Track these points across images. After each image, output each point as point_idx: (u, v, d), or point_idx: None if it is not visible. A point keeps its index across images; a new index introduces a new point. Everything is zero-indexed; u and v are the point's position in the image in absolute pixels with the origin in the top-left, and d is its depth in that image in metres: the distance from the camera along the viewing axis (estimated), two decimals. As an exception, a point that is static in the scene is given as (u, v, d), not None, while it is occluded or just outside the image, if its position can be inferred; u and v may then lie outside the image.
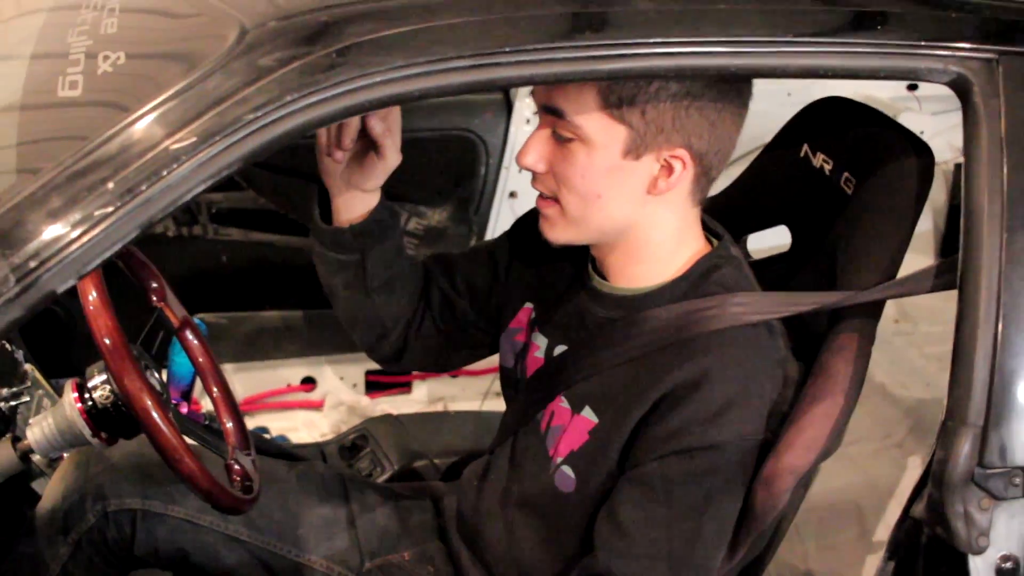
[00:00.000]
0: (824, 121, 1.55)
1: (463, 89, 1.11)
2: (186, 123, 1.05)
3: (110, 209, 1.02)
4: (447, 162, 2.78)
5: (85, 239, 1.02)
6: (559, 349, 1.46)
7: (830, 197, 1.49)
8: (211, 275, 2.77)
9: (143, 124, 1.06)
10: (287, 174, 2.63)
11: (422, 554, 1.63)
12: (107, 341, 1.29)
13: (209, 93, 1.06)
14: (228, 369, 2.84)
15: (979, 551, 1.25)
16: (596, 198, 1.32)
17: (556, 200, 1.34)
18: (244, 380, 2.88)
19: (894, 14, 1.25)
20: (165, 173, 1.03)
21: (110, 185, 1.03)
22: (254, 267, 2.86)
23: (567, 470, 1.39)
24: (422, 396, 2.98)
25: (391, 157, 1.45)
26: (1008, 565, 1.26)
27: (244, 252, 2.84)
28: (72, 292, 1.28)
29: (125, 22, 1.31)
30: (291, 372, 2.92)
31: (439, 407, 2.95)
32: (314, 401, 2.91)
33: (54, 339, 2.28)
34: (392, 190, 2.90)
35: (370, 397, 2.94)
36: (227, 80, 1.07)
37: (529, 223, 1.52)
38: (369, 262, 1.51)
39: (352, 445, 2.12)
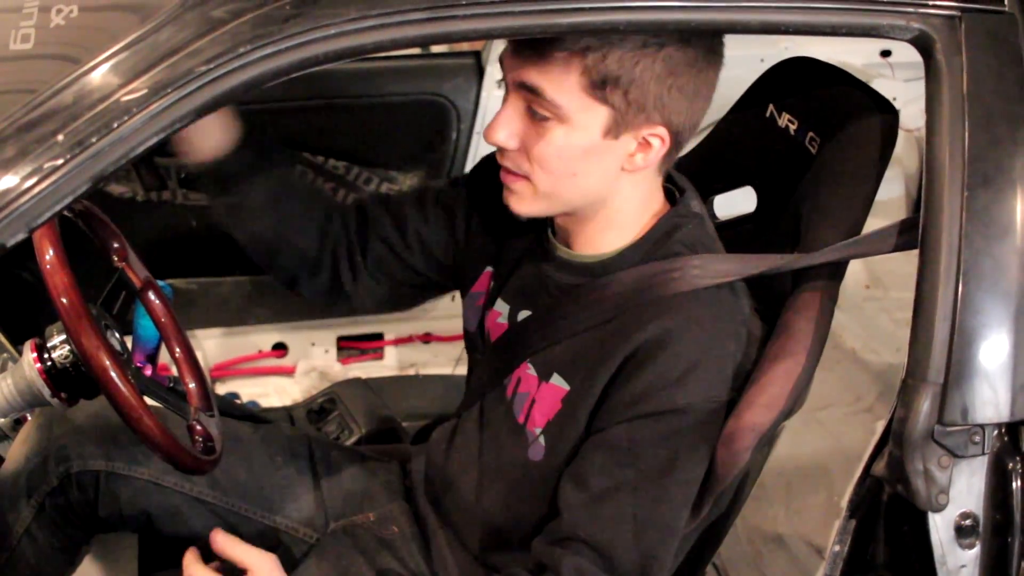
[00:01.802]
0: (790, 81, 1.54)
1: (418, 42, 1.11)
2: (137, 75, 1.04)
3: (60, 161, 1.01)
4: (418, 127, 2.76)
5: (35, 191, 1.01)
6: (523, 314, 1.46)
7: (795, 157, 1.48)
8: (180, 240, 2.73)
9: (94, 76, 1.05)
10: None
11: (387, 515, 1.63)
12: (64, 300, 1.27)
13: (161, 45, 1.05)
14: (198, 335, 2.83)
15: (938, 508, 1.25)
16: (570, 176, 1.30)
17: (524, 177, 1.32)
18: (215, 346, 2.87)
19: (857, -30, 1.24)
20: (116, 125, 1.02)
21: (60, 137, 1.01)
22: (224, 232, 2.83)
23: (543, 440, 1.39)
24: (393, 362, 2.97)
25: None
26: (967, 523, 1.27)
27: (213, 217, 2.82)
28: (34, 252, 1.27)
29: (80, -25, 1.29)
30: (262, 338, 2.90)
31: (411, 372, 2.94)
32: (286, 367, 2.90)
33: (20, 304, 2.27)
34: (363, 155, 2.89)
35: (342, 363, 2.94)
36: (180, 32, 1.06)
37: (485, 179, 1.50)
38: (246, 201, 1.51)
39: (320, 408, 2.11)
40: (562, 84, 1.22)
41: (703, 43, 1.25)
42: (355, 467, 1.72)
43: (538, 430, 1.40)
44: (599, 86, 1.22)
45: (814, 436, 2.42)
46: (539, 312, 1.43)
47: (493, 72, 2.72)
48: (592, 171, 1.29)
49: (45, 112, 1.03)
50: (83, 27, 1.18)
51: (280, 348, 2.92)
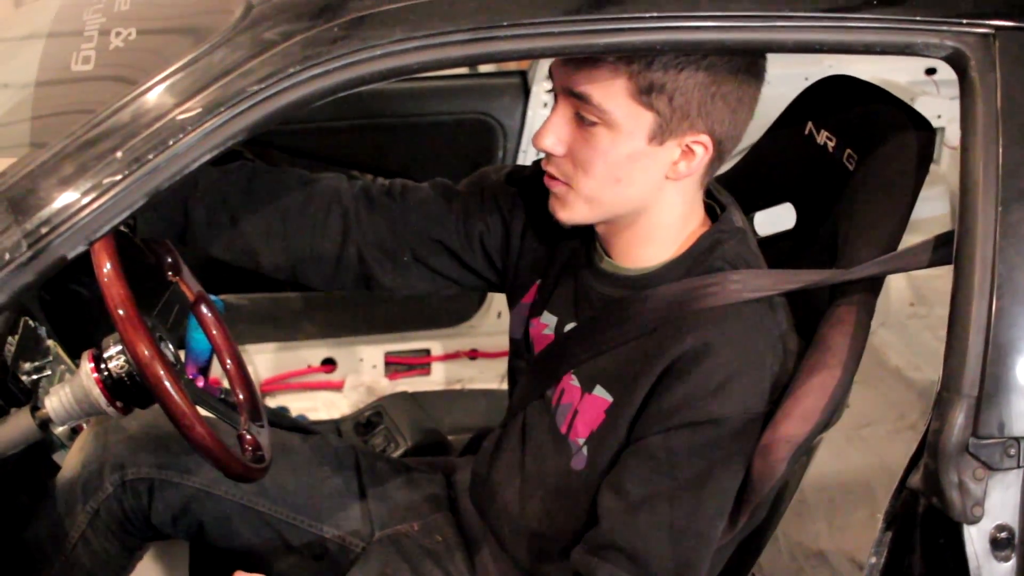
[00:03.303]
0: (828, 99, 1.57)
1: (461, 62, 1.14)
2: (192, 94, 1.09)
3: (118, 177, 1.06)
4: (465, 145, 2.81)
5: (94, 206, 1.06)
6: (569, 326, 1.49)
7: (833, 173, 1.51)
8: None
9: (151, 96, 1.10)
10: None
11: (431, 525, 1.66)
12: (120, 311, 1.32)
13: (215, 66, 1.10)
14: (249, 350, 2.89)
15: (973, 521, 1.26)
16: (615, 182, 1.33)
17: (567, 183, 1.35)
18: (265, 361, 2.93)
19: (891, -11, 1.27)
20: (172, 143, 1.07)
21: (119, 154, 1.06)
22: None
23: (585, 451, 1.42)
24: (440, 378, 3.01)
25: None
26: (1003, 535, 1.27)
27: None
28: (91, 269, 1.32)
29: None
30: (312, 353, 2.95)
31: (457, 388, 2.98)
32: (334, 382, 2.95)
33: (78, 318, 2.33)
34: (412, 173, 2.94)
35: (389, 378, 2.98)
36: (232, 53, 1.11)
37: (532, 188, 1.52)
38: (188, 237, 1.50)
39: (367, 421, 2.15)
40: (609, 90, 1.26)
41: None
42: (400, 478, 1.75)
43: (581, 440, 1.42)
44: (645, 92, 1.26)
45: (857, 453, 2.42)
46: (583, 324, 1.46)
47: (539, 92, 2.77)
48: (636, 177, 1.32)
49: (105, 130, 1.08)
50: (140, 49, 1.23)
51: (329, 363, 2.97)
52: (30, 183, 1.06)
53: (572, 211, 1.37)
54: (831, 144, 1.52)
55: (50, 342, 1.96)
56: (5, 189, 1.07)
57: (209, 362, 2.02)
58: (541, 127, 1.33)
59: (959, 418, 1.24)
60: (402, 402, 2.19)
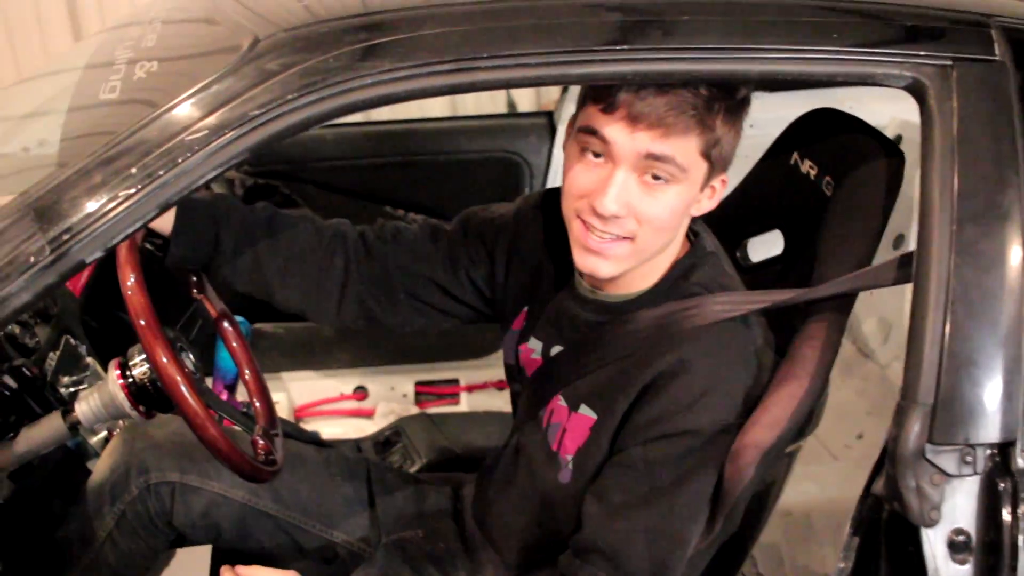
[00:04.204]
0: (812, 130, 1.66)
1: (445, 91, 1.25)
2: (200, 118, 1.21)
3: (133, 190, 1.18)
4: (492, 183, 2.93)
5: (111, 215, 1.18)
6: (555, 350, 1.58)
7: (815, 200, 1.59)
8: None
9: (164, 119, 1.22)
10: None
11: (436, 532, 1.76)
12: (141, 321, 1.44)
13: (222, 93, 1.22)
14: (284, 377, 3.01)
15: (931, 524, 1.32)
16: (672, 231, 1.43)
17: (630, 239, 1.39)
18: (300, 388, 3.04)
19: (852, 24, 1.36)
20: (180, 160, 1.19)
21: (133, 170, 1.19)
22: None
23: (571, 465, 1.51)
24: (468, 407, 3.10)
25: None
26: (961, 539, 1.33)
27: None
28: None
29: (163, 34, 1.48)
30: (344, 381, 3.07)
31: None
32: (365, 410, 3.06)
33: (121, 343, 2.47)
34: (440, 209, 3.07)
35: (419, 407, 3.08)
36: (238, 82, 1.23)
37: (526, 223, 1.63)
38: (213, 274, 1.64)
39: (386, 440, 2.26)
40: (688, 149, 1.34)
41: (746, 102, 1.39)
42: (409, 490, 1.85)
43: (569, 456, 1.51)
44: (711, 147, 1.36)
45: (864, 478, 2.46)
46: (569, 348, 1.55)
47: (563, 131, 2.88)
48: (680, 222, 1.43)
49: (122, 149, 1.20)
50: (160, 78, 1.36)
51: (361, 391, 3.08)
52: (54, 196, 1.19)
53: (619, 265, 1.42)
54: (813, 172, 1.61)
55: (89, 359, 2.10)
56: (32, 201, 1.19)
57: (235, 381, 2.14)
58: (605, 193, 1.35)
59: (915, 425, 1.31)
60: (420, 422, 2.29)
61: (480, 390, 3.12)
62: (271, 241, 1.64)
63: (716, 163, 1.38)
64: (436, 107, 3.47)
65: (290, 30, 1.27)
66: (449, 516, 1.82)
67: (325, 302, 1.69)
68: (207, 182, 1.21)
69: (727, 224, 1.73)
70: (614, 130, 1.33)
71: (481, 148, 2.95)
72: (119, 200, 1.18)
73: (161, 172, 1.18)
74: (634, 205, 1.36)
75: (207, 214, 1.59)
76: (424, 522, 1.79)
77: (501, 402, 3.11)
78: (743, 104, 1.38)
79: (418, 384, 3.10)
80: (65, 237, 1.17)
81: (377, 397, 3.08)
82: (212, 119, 1.20)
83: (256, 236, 1.63)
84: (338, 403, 3.06)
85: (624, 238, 1.39)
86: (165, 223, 1.56)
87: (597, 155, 1.37)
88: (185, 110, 1.22)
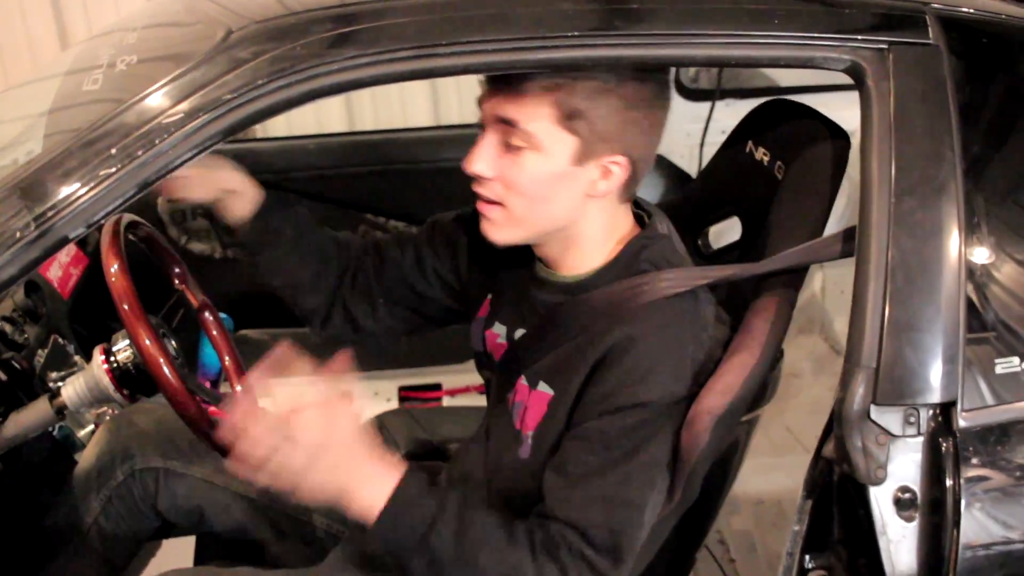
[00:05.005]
0: (765, 120, 1.73)
1: (407, 76, 1.33)
2: (176, 102, 1.28)
3: (113, 170, 1.26)
4: (473, 192, 2.98)
5: (92, 194, 1.25)
6: (519, 333, 1.64)
7: (768, 184, 1.66)
8: (255, 294, 2.99)
9: (142, 104, 1.30)
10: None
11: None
12: (124, 306, 1.51)
13: (197, 79, 1.30)
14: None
15: (877, 482, 1.39)
16: (542, 201, 1.48)
17: (499, 203, 1.48)
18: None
19: (793, 10, 1.43)
20: (158, 142, 1.26)
21: (113, 151, 1.26)
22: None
23: (530, 441, 1.57)
24: (451, 410, 3.16)
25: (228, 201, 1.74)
26: (906, 496, 1.40)
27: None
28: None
29: (144, 35, 1.56)
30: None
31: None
32: (350, 414, 3.10)
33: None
34: (421, 215, 3.13)
35: (403, 411, 3.13)
36: (212, 69, 1.30)
37: (475, 220, 1.70)
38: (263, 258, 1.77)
39: (367, 434, 2.31)
40: (536, 116, 1.41)
41: (656, 84, 1.45)
42: (385, 474, 1.91)
43: (529, 432, 1.57)
44: (568, 117, 1.41)
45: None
46: (531, 330, 1.62)
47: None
48: (561, 196, 1.48)
49: (103, 132, 1.28)
50: (139, 69, 1.43)
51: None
52: (39, 175, 1.26)
53: (503, 231, 1.51)
54: (766, 159, 1.68)
55: (77, 358, 2.16)
56: (18, 181, 1.26)
57: (219, 376, 2.20)
58: (471, 152, 1.47)
59: (860, 387, 1.38)
60: (400, 416, 2.34)
61: (463, 393, 3.17)
62: (311, 243, 1.77)
63: (589, 139, 1.42)
64: (419, 116, 3.54)
65: (261, 22, 1.34)
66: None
67: (329, 308, 1.81)
68: (183, 163, 1.28)
69: (689, 213, 1.81)
70: (483, 96, 1.46)
71: (459, 156, 2.99)
72: (100, 179, 1.25)
73: (139, 153, 1.26)
74: (499, 170, 1.45)
75: (280, 207, 1.75)
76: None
77: (483, 403, 3.17)
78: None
79: (402, 389, 3.16)
80: (50, 214, 1.24)
81: (361, 402, 3.12)
82: (187, 103, 1.28)
83: (306, 239, 1.76)
84: (323, 408, 3.10)
85: (494, 202, 1.48)
86: (243, 205, 1.73)
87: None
88: (162, 96, 1.29)
